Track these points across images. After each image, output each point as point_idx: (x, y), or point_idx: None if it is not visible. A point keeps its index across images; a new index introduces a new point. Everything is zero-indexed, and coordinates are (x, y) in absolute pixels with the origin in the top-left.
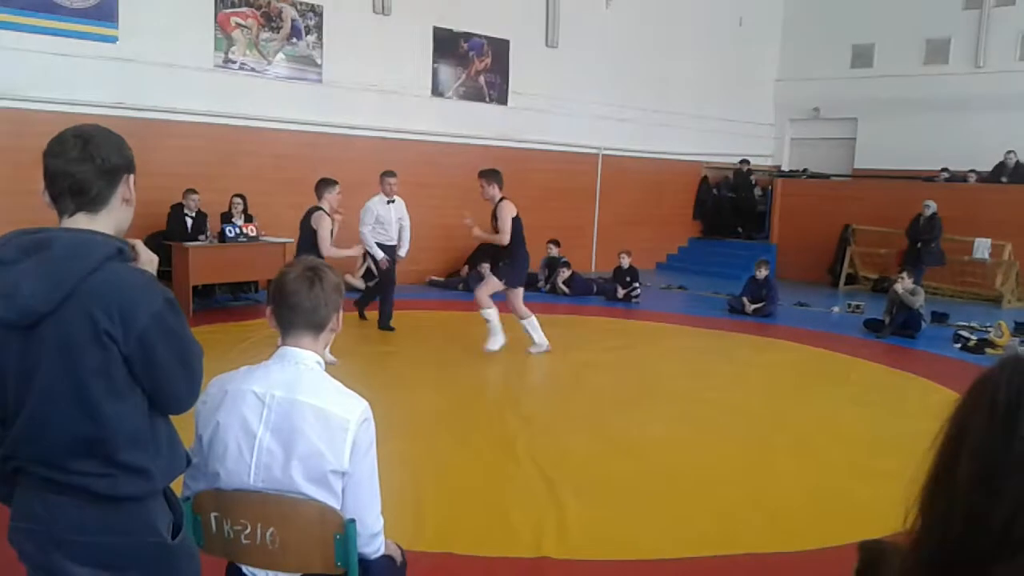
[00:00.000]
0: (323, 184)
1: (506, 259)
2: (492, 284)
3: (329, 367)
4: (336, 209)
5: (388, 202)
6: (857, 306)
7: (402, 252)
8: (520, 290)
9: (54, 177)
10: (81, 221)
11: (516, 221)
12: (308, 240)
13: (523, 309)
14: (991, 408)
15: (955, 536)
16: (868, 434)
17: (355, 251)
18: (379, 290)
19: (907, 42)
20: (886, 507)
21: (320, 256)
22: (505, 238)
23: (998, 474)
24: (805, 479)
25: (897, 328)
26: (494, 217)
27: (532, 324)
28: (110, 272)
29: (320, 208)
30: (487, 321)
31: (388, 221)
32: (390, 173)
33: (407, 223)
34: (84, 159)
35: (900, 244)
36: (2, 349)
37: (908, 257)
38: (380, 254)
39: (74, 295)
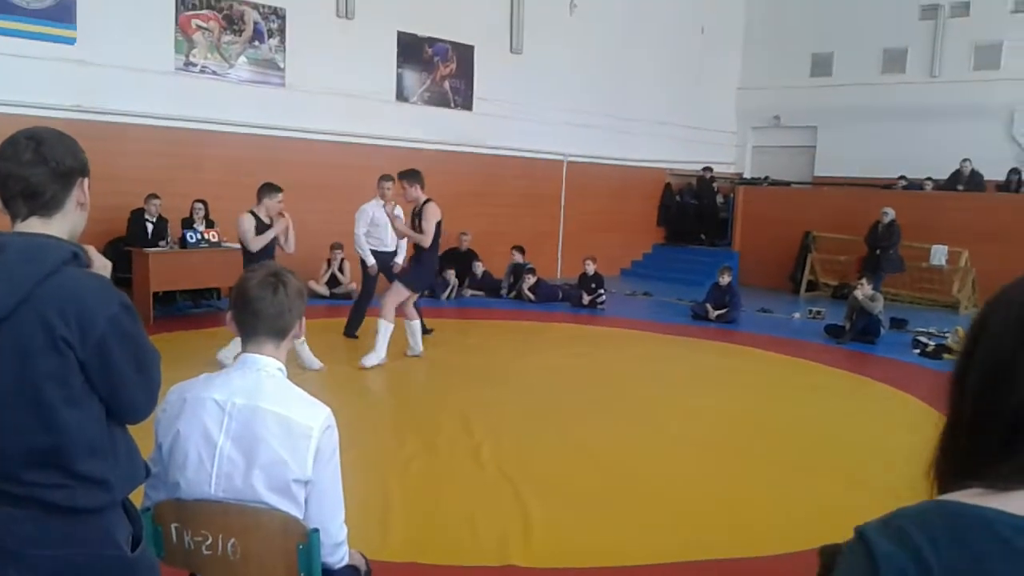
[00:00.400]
0: (264, 189)
1: (414, 262)
2: (399, 292)
3: (310, 372)
4: (280, 212)
5: (383, 206)
6: (818, 312)
7: (400, 259)
8: (406, 293)
9: (6, 180)
10: (35, 225)
11: (437, 226)
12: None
13: (391, 312)
14: (1007, 306)
15: (967, 431)
16: (830, 437)
17: (279, 226)
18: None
19: (865, 51)
20: (848, 509)
21: (252, 254)
22: (426, 240)
23: (1011, 367)
24: (769, 483)
25: (857, 334)
26: (415, 218)
27: (387, 332)
28: (66, 276)
29: (250, 210)
30: (377, 332)
31: (383, 226)
32: (387, 177)
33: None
34: (37, 162)
35: (860, 251)
36: None
37: (867, 264)
38: (371, 260)
39: (29, 300)
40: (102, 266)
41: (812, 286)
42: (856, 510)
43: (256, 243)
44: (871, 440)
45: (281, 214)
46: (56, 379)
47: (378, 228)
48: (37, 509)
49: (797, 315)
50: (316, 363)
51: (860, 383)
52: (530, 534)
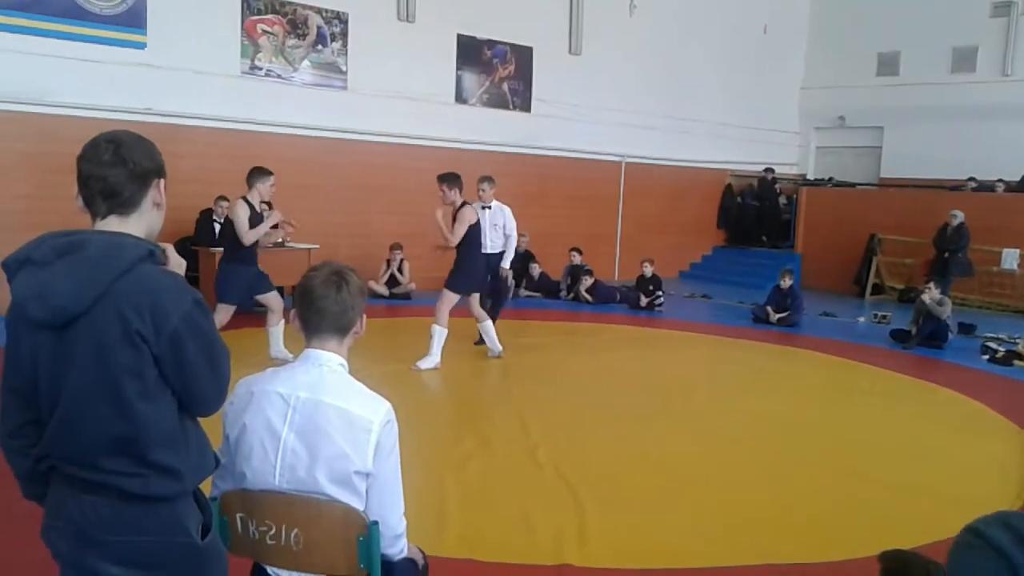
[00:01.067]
0: (254, 173)
1: (456, 265)
2: (448, 297)
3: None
4: (266, 200)
5: (482, 207)
6: (883, 316)
7: (505, 263)
8: (455, 297)
9: (87, 180)
10: (113, 224)
11: (473, 228)
12: (229, 231)
13: (444, 317)
14: None
15: None
16: (893, 445)
17: (274, 218)
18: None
19: (934, 50)
20: (911, 518)
21: (242, 245)
22: (453, 240)
23: None
24: (829, 489)
25: (924, 339)
26: (454, 222)
27: (441, 337)
28: (142, 273)
29: (242, 197)
30: (431, 337)
31: (481, 228)
32: (485, 179)
33: (512, 231)
34: (116, 163)
35: (927, 254)
36: (36, 350)
37: (935, 267)
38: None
39: (106, 295)
40: (177, 264)
41: (877, 289)
42: (918, 518)
43: (250, 236)
44: (936, 448)
45: (269, 204)
46: (132, 372)
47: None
48: (114, 497)
49: (862, 319)
50: (283, 353)
51: (926, 389)
52: (585, 534)
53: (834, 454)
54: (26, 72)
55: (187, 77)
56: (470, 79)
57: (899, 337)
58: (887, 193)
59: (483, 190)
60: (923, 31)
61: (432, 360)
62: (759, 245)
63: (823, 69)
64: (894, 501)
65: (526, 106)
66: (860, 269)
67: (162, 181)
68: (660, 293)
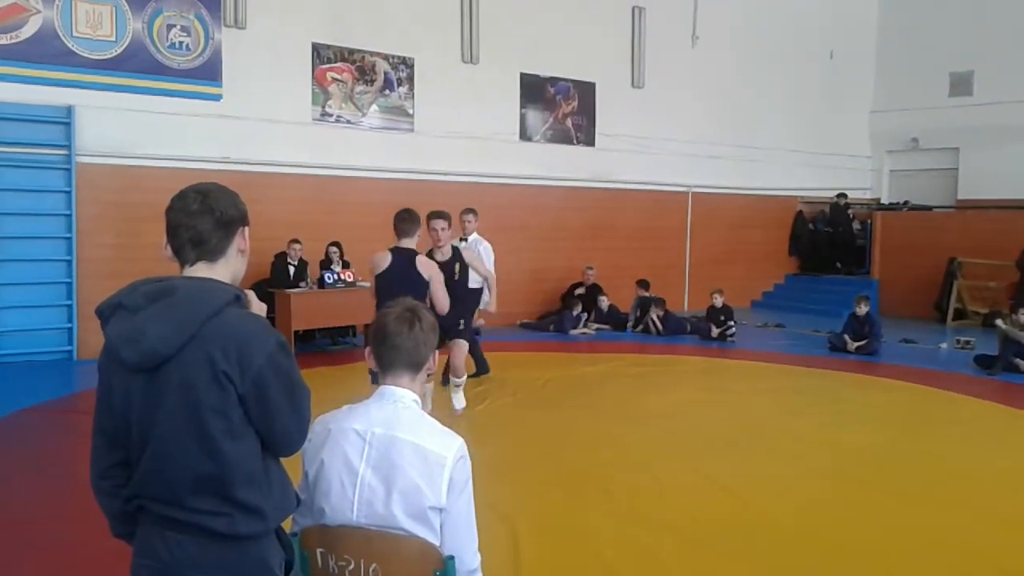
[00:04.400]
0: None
1: (468, 309)
2: (463, 347)
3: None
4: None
5: (460, 239)
6: (967, 342)
7: (490, 307)
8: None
9: (176, 229)
10: (201, 270)
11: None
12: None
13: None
14: None
15: None
16: (980, 475)
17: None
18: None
19: (1009, 68)
20: (997, 550)
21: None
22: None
23: None
24: (917, 523)
25: (1008, 364)
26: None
27: (462, 386)
28: (228, 317)
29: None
30: (456, 387)
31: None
32: (466, 210)
33: (489, 270)
34: (203, 212)
35: (1011, 276)
36: (128, 392)
37: (1020, 290)
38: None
39: (195, 338)
40: (259, 308)
41: (960, 314)
42: (1008, 551)
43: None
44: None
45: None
46: (218, 412)
47: None
48: (200, 535)
49: (944, 345)
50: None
51: (1013, 416)
52: (665, 570)
53: (921, 486)
54: (111, 126)
55: (261, 126)
56: (534, 116)
57: (984, 363)
58: (965, 215)
59: (469, 221)
60: (996, 49)
61: (460, 403)
62: (833, 272)
63: (893, 92)
64: (991, 535)
65: (590, 140)
66: (940, 294)
67: (246, 229)
68: (732, 323)
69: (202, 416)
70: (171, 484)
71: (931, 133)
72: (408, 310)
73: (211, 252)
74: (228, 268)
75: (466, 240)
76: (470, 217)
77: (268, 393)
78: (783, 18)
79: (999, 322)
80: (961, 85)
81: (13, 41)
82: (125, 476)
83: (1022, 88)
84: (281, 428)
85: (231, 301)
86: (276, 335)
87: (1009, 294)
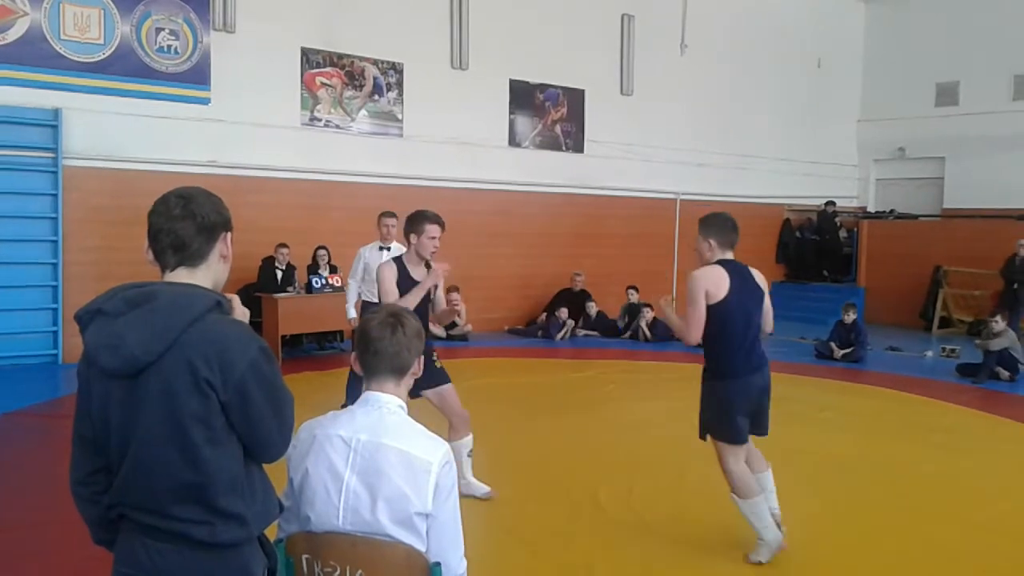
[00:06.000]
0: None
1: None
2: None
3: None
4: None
5: (380, 248)
6: (952, 350)
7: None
8: None
9: (157, 234)
10: (182, 275)
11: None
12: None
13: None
14: None
15: None
16: (962, 482)
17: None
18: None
19: (994, 78)
20: (996, 559)
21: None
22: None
23: None
24: (906, 531)
25: (991, 373)
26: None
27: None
28: (209, 323)
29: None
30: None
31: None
32: (388, 214)
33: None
34: (185, 217)
35: (995, 285)
36: (107, 399)
37: (1004, 299)
38: (352, 314)
39: (176, 345)
40: (242, 314)
41: (945, 323)
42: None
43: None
44: (1010, 486)
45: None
46: (200, 419)
47: (372, 277)
48: (182, 543)
49: (929, 353)
50: (482, 488)
51: (998, 424)
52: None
53: (906, 493)
54: (98, 129)
55: (249, 130)
56: (523, 122)
57: (967, 372)
58: (951, 224)
59: (388, 227)
60: (982, 60)
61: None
62: (820, 280)
63: (880, 101)
64: (975, 542)
65: (579, 147)
66: (926, 302)
67: (229, 234)
68: None
69: (183, 424)
70: (152, 492)
71: (917, 142)
72: (391, 315)
73: (192, 257)
74: (209, 273)
75: (389, 248)
76: (392, 221)
77: (250, 400)
78: (771, 27)
79: (977, 342)
80: (947, 95)
81: (0, 43)
82: (105, 483)
83: (1007, 98)
84: (264, 435)
85: (212, 307)
86: (258, 341)
87: (994, 302)
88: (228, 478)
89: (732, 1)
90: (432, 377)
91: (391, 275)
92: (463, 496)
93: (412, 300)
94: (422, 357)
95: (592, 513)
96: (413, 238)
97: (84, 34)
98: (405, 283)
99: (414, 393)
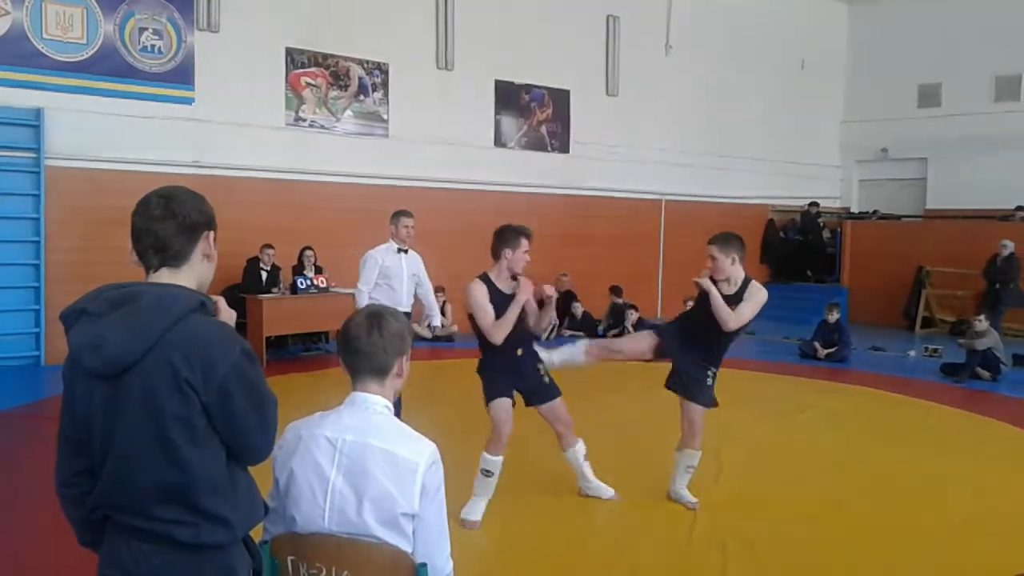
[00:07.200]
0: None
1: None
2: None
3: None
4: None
5: (399, 251)
6: (934, 350)
7: (436, 321)
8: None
9: (139, 234)
10: (165, 276)
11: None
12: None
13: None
14: None
15: None
16: (943, 480)
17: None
18: None
19: (976, 80)
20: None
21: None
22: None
23: None
24: (887, 527)
25: (973, 373)
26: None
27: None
28: (192, 324)
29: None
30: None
31: (398, 277)
32: (406, 213)
33: (428, 283)
34: (166, 217)
35: (978, 285)
36: (89, 398)
37: (986, 298)
38: None
39: (158, 346)
40: (228, 316)
41: (928, 323)
42: (984, 557)
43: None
44: (994, 484)
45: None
46: (181, 420)
47: (388, 281)
48: (165, 545)
49: (912, 353)
50: (607, 491)
51: (980, 423)
52: (635, 570)
53: (888, 492)
54: (81, 129)
55: (233, 130)
56: (509, 123)
57: (949, 371)
58: (934, 225)
59: (407, 227)
60: (964, 61)
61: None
62: (804, 280)
63: (863, 102)
64: (955, 540)
65: (564, 148)
66: (909, 302)
67: (212, 233)
68: None
69: (165, 424)
70: (135, 493)
71: (900, 143)
72: (372, 315)
73: (174, 257)
74: (193, 274)
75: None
76: (411, 221)
77: (232, 402)
78: (755, 28)
79: (961, 341)
80: (929, 96)
81: None
82: (90, 484)
83: (989, 100)
84: (246, 437)
85: (195, 308)
86: (241, 342)
87: (976, 302)
88: (211, 479)
89: (716, 3)
90: (544, 392)
91: (482, 294)
92: (589, 498)
93: (511, 317)
94: (405, 359)
95: (576, 513)
96: (508, 253)
97: (67, 33)
98: (498, 299)
99: (528, 403)
